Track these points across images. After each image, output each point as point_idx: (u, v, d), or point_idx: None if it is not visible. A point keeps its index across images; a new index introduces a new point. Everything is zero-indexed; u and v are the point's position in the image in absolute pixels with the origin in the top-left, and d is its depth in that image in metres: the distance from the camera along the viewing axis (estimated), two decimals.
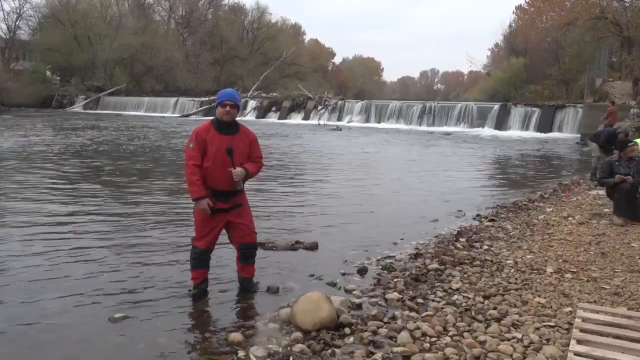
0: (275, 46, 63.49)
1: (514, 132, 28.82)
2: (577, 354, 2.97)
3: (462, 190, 9.68)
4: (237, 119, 4.06)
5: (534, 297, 3.99)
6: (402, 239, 6.01)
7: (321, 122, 35.03)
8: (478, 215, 7.42)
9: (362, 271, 4.81)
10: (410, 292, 4.14)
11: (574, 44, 37.69)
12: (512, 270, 4.68)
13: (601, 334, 3.23)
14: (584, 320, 3.43)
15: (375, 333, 3.39)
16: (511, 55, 48.60)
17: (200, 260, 4.04)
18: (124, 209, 7.27)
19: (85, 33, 51.78)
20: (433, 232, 6.36)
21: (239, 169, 3.89)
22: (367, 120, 35.43)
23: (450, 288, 4.21)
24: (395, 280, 4.43)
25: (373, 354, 3.09)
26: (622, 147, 7.13)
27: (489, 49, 68.28)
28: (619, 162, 7.06)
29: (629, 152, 7.04)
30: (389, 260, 5.11)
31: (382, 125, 33.88)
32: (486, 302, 3.91)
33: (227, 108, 3.88)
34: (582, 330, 3.27)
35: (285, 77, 59.32)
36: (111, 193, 8.54)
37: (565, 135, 27.05)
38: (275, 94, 44.88)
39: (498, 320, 3.54)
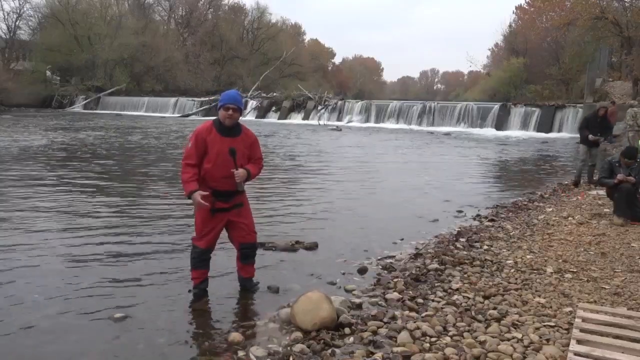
0: (275, 46, 63.48)
1: (514, 132, 28.79)
2: (577, 354, 2.97)
3: (462, 190, 9.68)
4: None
5: (534, 297, 3.99)
6: (402, 239, 6.01)
7: (321, 122, 35.02)
8: (478, 215, 7.42)
9: (362, 271, 4.82)
10: (410, 292, 4.14)
11: (574, 44, 37.69)
12: (512, 270, 4.68)
13: (601, 334, 3.23)
14: (584, 320, 3.43)
15: (375, 333, 3.39)
16: (511, 55, 48.65)
17: (201, 260, 4.04)
18: (123, 209, 7.27)
19: (85, 33, 51.73)
20: (433, 232, 6.36)
21: (241, 170, 3.88)
22: (367, 120, 35.38)
23: (450, 288, 4.21)
24: (395, 280, 4.44)
25: (373, 354, 3.09)
26: (627, 155, 7.06)
27: (489, 49, 68.43)
28: (619, 163, 7.06)
29: (622, 160, 7.03)
30: (389, 260, 5.11)
31: (382, 125, 33.83)
32: (486, 302, 3.91)
33: (230, 112, 3.87)
34: (582, 330, 3.27)
35: (285, 77, 59.32)
36: (110, 193, 8.54)
37: (565, 135, 27.03)
38: (275, 94, 44.83)
39: (498, 320, 3.54)
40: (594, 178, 10.24)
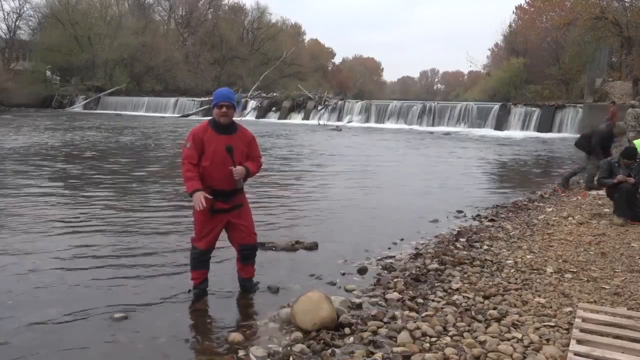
0: (275, 46, 63.50)
1: (514, 132, 28.78)
2: (577, 354, 2.97)
3: (462, 190, 9.68)
4: (237, 119, 4.05)
5: (534, 297, 3.99)
6: (402, 239, 6.01)
7: (321, 122, 35.00)
8: (478, 215, 7.42)
9: (362, 271, 4.82)
10: (410, 292, 4.14)
11: (574, 44, 37.74)
12: (512, 270, 4.68)
13: (601, 334, 3.23)
14: (584, 320, 3.43)
15: (375, 333, 3.39)
16: (511, 55, 48.70)
17: (200, 260, 4.04)
18: (123, 209, 7.27)
19: (85, 33, 51.68)
20: (433, 232, 6.36)
21: (239, 167, 3.88)
22: (367, 120, 35.37)
23: (450, 288, 4.21)
24: (395, 280, 4.44)
25: (373, 354, 3.09)
26: (626, 155, 7.05)
27: (489, 49, 68.47)
28: (619, 164, 7.05)
29: (622, 161, 7.02)
30: (389, 260, 5.11)
31: (382, 125, 33.83)
32: (486, 302, 3.91)
33: (224, 109, 3.86)
34: (582, 330, 3.27)
35: (285, 77, 59.32)
36: (110, 194, 8.54)
37: (565, 135, 27.02)
38: (275, 94, 44.82)
39: (498, 320, 3.54)
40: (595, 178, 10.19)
